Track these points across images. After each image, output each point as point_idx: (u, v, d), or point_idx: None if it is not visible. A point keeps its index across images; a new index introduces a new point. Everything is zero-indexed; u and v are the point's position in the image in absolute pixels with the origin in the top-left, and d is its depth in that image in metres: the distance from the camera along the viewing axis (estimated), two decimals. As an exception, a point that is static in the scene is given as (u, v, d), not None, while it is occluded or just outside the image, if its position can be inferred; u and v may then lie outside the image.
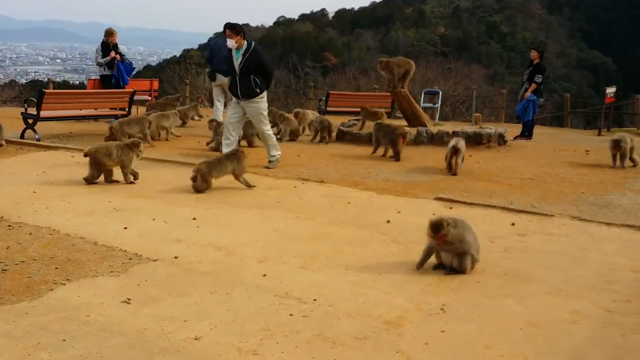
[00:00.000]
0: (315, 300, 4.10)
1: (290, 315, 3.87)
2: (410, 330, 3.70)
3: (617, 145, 9.11)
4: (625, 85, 54.74)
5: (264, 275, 4.54)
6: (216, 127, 10.15)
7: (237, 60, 8.34)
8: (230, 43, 8.26)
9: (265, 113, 8.69)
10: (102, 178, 7.48)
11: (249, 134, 10.27)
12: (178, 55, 61.12)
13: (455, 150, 8.55)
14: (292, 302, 4.06)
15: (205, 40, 76.38)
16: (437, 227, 4.50)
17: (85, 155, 7.41)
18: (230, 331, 3.64)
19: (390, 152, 9.83)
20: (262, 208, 6.48)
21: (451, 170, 8.51)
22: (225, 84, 11.41)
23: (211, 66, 11.69)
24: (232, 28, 8.30)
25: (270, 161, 8.68)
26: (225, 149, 8.27)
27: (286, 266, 4.76)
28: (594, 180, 8.27)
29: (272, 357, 3.35)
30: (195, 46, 69.12)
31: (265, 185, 7.60)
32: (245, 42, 8.32)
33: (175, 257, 4.89)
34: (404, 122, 12.28)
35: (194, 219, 5.97)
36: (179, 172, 8.10)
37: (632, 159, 9.28)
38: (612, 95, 15.55)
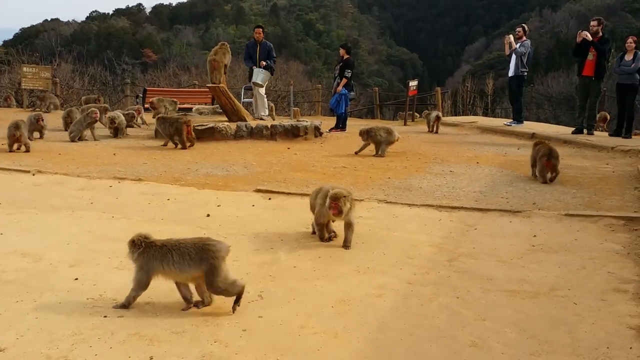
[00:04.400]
0: (131, 299, 4.00)
1: (105, 317, 3.74)
2: (228, 320, 3.76)
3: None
4: (430, 78, 59.85)
5: (76, 279, 4.34)
6: None
7: None
8: None
9: None
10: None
11: None
12: (-20, 53, 55.25)
13: (438, 118, 13.62)
14: (107, 304, 3.93)
15: (10, 37, 69.78)
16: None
17: None
18: (38, 339, 3.43)
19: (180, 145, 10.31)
20: (72, 210, 6.15)
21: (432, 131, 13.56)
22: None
23: None
24: None
25: None
26: None
27: (100, 267, 4.59)
28: (399, 166, 8.98)
29: (85, 361, 3.23)
30: (0, 42, 63.05)
31: (77, 186, 7.21)
32: None
33: (-26, 269, 4.48)
34: (223, 118, 12.33)
35: (-5, 226, 5.50)
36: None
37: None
38: (414, 88, 16.97)
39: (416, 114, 17.78)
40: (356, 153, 9.99)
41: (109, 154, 9.17)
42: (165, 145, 10.48)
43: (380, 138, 9.86)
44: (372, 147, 9.92)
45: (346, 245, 5.16)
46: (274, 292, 4.20)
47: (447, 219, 6.14)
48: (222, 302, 3.99)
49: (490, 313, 3.93)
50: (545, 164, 7.67)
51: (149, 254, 3.82)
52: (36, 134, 11.20)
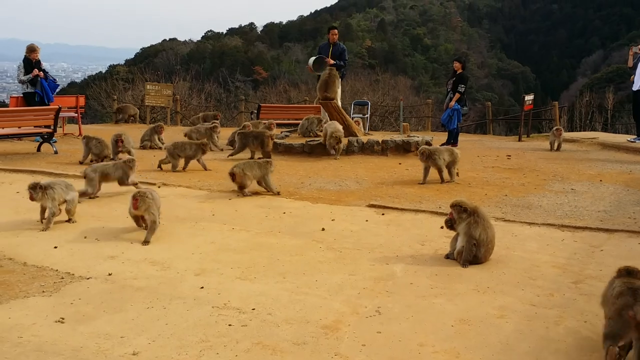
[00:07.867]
0: (253, 309, 4.13)
1: (230, 325, 3.89)
2: (347, 333, 3.79)
3: None
4: (544, 92, 57.51)
5: (202, 287, 4.54)
6: None
7: None
8: None
9: None
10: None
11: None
12: (104, 71, 59.66)
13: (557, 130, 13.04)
14: (231, 312, 4.08)
15: (132, 56, 74.85)
16: None
17: None
18: (168, 345, 3.62)
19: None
20: (195, 221, 6.45)
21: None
22: None
23: None
24: None
25: None
26: None
27: (223, 277, 4.78)
28: (515, 183, 8.68)
29: (213, 367, 3.37)
30: (122, 62, 67.65)
31: (199, 198, 7.57)
32: None
33: (109, 274, 4.81)
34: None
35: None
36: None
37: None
38: (530, 102, 16.32)
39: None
40: (421, 183, 8.61)
41: (226, 167, 9.50)
42: (235, 154, 10.87)
43: (441, 162, 8.62)
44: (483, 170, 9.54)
45: (462, 262, 5.06)
46: (391, 308, 4.19)
47: (570, 239, 5.86)
48: (340, 315, 4.04)
49: (622, 340, 3.71)
50: None
51: None
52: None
